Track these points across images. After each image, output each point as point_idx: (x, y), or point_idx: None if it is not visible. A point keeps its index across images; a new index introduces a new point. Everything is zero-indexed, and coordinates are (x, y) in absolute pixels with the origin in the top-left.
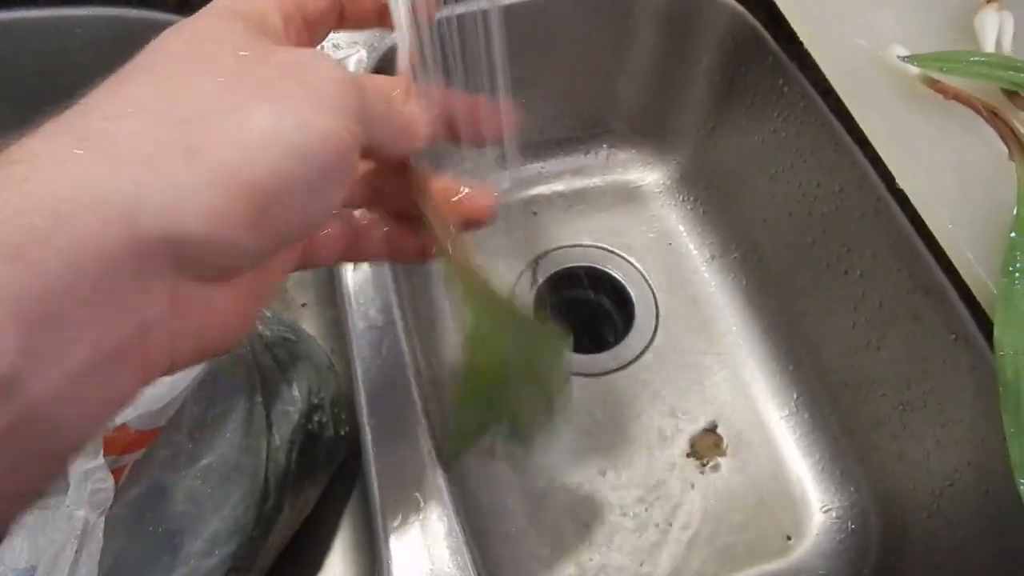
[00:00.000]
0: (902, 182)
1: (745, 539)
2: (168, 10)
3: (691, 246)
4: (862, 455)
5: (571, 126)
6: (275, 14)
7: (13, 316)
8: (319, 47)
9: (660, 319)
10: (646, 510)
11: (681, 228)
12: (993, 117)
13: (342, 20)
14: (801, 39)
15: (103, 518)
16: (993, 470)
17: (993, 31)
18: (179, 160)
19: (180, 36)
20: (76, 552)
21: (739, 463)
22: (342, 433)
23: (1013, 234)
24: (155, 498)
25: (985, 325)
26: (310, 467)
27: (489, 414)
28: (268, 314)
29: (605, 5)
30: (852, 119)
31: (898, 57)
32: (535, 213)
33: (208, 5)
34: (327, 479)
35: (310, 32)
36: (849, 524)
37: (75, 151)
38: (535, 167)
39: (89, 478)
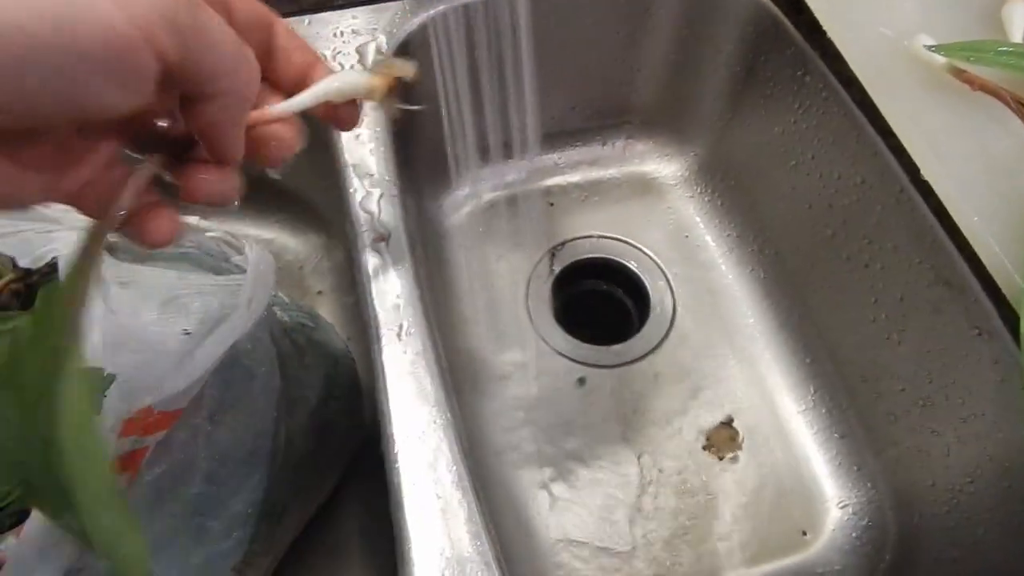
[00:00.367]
0: (927, 173)
1: (761, 534)
2: None
3: (708, 238)
4: (880, 450)
5: (588, 116)
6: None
7: None
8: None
9: (676, 311)
10: (661, 504)
11: (698, 220)
12: (1020, 108)
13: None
14: (824, 28)
15: None
16: (1015, 465)
17: (1021, 21)
18: None
19: None
20: None
21: (755, 457)
22: (358, 419)
23: None
24: (175, 480)
25: (1009, 318)
26: (327, 452)
27: None
28: (287, 300)
29: None
30: (875, 109)
31: (925, 47)
32: (552, 204)
33: None
34: (344, 464)
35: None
36: (866, 519)
37: None
38: (552, 158)
39: None
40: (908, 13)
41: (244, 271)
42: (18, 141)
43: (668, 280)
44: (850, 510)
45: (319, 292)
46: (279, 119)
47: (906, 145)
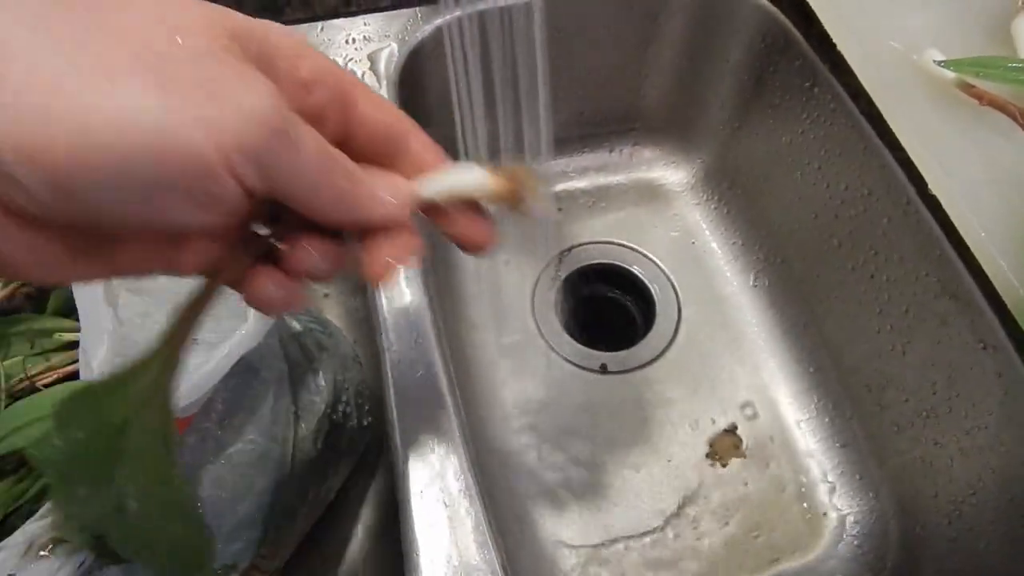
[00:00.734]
0: (934, 187)
1: (762, 541)
2: None
3: (714, 245)
4: (883, 460)
5: (596, 123)
6: (284, 65)
7: None
8: None
9: (682, 318)
10: (664, 510)
11: (704, 227)
12: None
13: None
14: (833, 40)
15: None
16: (1018, 477)
17: None
18: (11, 81)
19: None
20: None
21: (758, 465)
22: (365, 423)
23: None
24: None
25: (1015, 333)
26: (334, 455)
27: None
28: None
29: (635, 2)
30: (883, 122)
31: (934, 62)
32: (559, 209)
33: (217, 6)
34: (350, 467)
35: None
36: (868, 528)
37: None
38: (560, 163)
39: None
40: (917, 27)
41: None
42: (106, 241)
43: (674, 286)
44: (852, 519)
45: (325, 295)
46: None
47: (914, 158)
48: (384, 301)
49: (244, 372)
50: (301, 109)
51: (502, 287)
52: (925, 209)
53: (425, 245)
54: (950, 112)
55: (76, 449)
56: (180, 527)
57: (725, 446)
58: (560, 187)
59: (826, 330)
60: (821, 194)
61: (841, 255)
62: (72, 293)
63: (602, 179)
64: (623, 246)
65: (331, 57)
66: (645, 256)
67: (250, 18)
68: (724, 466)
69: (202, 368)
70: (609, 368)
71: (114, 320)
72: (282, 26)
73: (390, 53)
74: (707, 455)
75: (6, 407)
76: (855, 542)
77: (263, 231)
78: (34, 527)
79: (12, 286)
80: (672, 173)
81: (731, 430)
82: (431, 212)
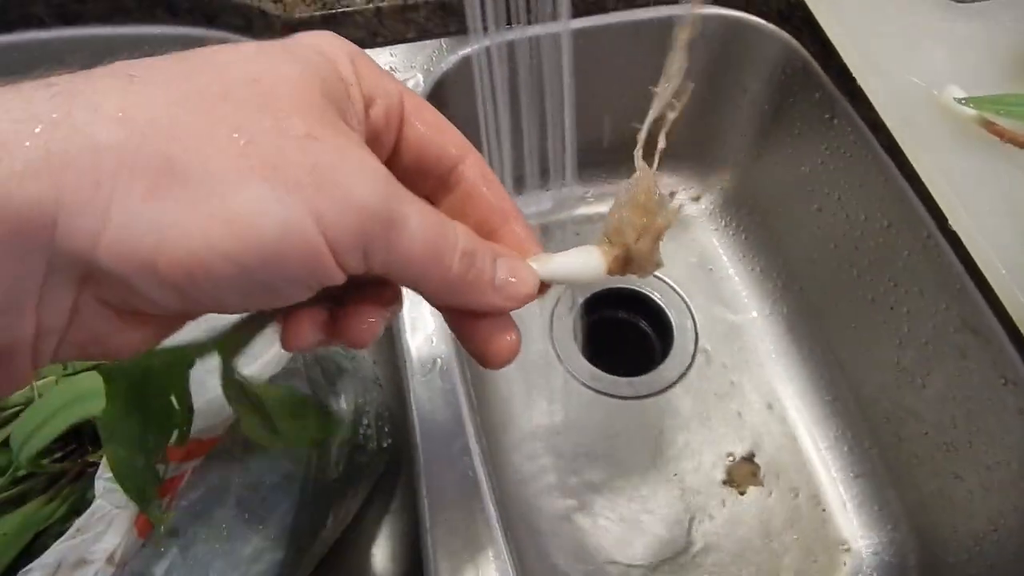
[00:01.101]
0: (955, 224)
1: (778, 572)
2: (233, 30)
3: (732, 272)
4: (902, 492)
5: (616, 149)
6: (351, 73)
7: None
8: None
9: (699, 344)
10: (680, 537)
11: (722, 253)
12: None
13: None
14: (853, 74)
15: None
16: None
17: None
18: (136, 193)
19: (247, 67)
20: None
21: (776, 493)
22: (385, 445)
23: None
24: (209, 505)
25: None
26: (354, 478)
27: None
28: None
29: (652, 31)
30: (903, 156)
31: (955, 99)
32: (577, 234)
33: (299, 45)
34: (369, 489)
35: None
36: (887, 561)
37: (51, 115)
38: (579, 189)
39: None
40: (938, 63)
41: None
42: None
43: (691, 312)
44: (870, 550)
45: None
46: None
47: (934, 194)
48: (408, 328)
49: None
50: (369, 130)
51: (520, 311)
52: (946, 243)
53: None
54: (971, 149)
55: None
56: None
57: (742, 473)
58: (579, 211)
59: (844, 360)
60: (840, 224)
61: (860, 286)
62: None
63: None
64: None
65: None
66: (663, 281)
67: (331, 55)
68: (741, 494)
69: None
70: (625, 393)
71: None
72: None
73: (415, 84)
74: (724, 482)
75: None
76: (874, 573)
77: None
78: (64, 547)
79: None
80: (690, 200)
81: (748, 458)
82: (456, 318)
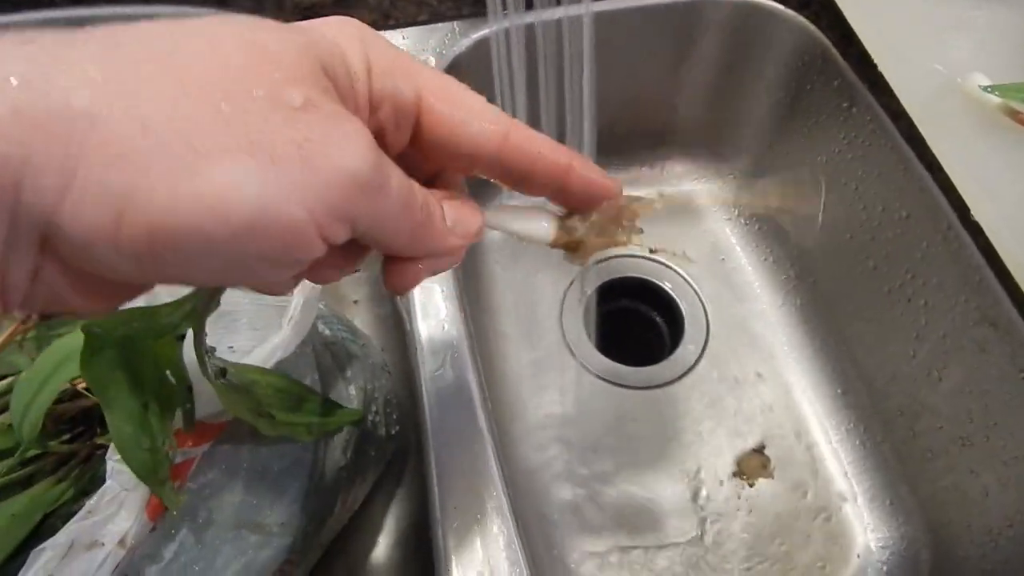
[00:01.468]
0: (977, 214)
1: (788, 565)
2: (244, 11)
3: (744, 262)
4: (915, 486)
5: (629, 137)
6: (360, 67)
7: None
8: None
9: (710, 335)
10: (690, 528)
11: (735, 243)
12: None
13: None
14: (875, 61)
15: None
16: None
17: None
18: (106, 159)
19: (245, 37)
20: None
21: (786, 486)
22: (393, 432)
23: None
24: (218, 490)
25: None
26: (362, 464)
27: None
28: (328, 312)
29: (672, 17)
30: (923, 145)
31: (980, 87)
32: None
33: (307, 27)
34: (376, 475)
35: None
36: (899, 555)
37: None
38: None
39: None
40: (962, 51)
41: (291, 293)
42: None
43: (703, 302)
44: (882, 544)
45: (355, 301)
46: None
47: (956, 183)
48: (419, 314)
49: None
50: (374, 127)
51: (531, 299)
52: (966, 234)
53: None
54: (995, 138)
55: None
56: None
57: (753, 466)
58: None
59: (858, 352)
60: (857, 215)
61: (876, 277)
62: None
63: (633, 192)
64: (652, 260)
65: None
66: (674, 271)
67: (341, 42)
68: (751, 486)
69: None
70: (635, 383)
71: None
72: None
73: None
74: (734, 474)
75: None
76: (884, 568)
77: None
78: (76, 527)
79: None
80: (704, 188)
81: (759, 450)
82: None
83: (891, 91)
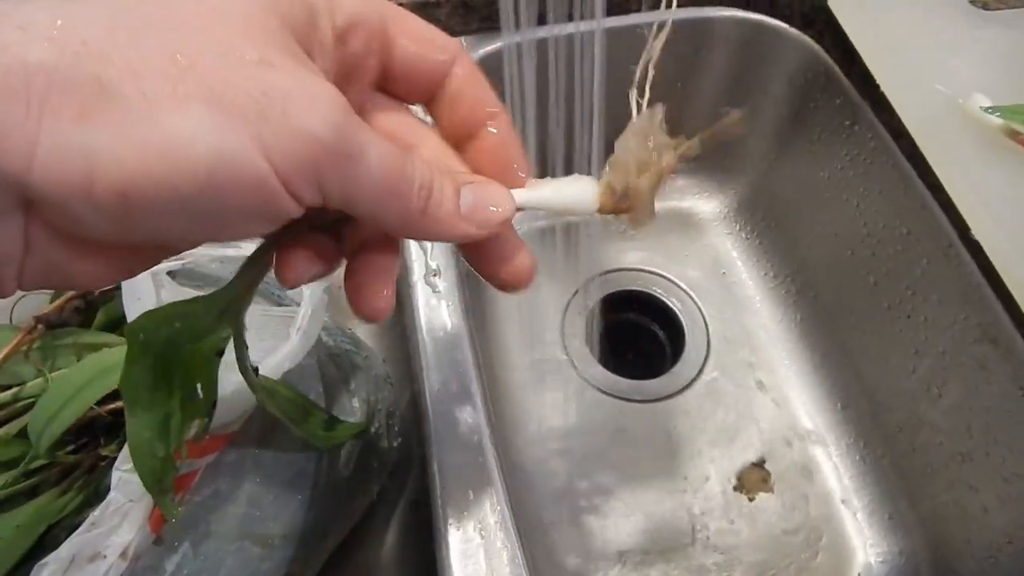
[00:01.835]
0: (977, 233)
1: None
2: None
3: (746, 276)
4: (914, 501)
5: None
6: (326, 22)
7: None
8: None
9: (711, 349)
10: (689, 542)
11: (736, 257)
12: None
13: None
14: (877, 80)
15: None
16: None
17: None
18: (67, 115)
19: None
20: None
21: (786, 500)
22: (395, 443)
23: None
24: (221, 500)
25: None
26: (364, 476)
27: None
28: (332, 324)
29: (680, 34)
30: (924, 163)
31: (981, 108)
32: (591, 235)
33: None
34: (379, 487)
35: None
36: (898, 570)
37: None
38: None
39: None
40: (964, 71)
41: (298, 304)
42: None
43: (704, 316)
44: (881, 559)
45: None
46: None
47: (957, 203)
48: (424, 326)
49: None
50: (341, 61)
51: (533, 311)
52: (966, 252)
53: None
54: (996, 158)
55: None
56: None
57: (753, 480)
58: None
59: (858, 367)
60: (858, 231)
61: (877, 293)
62: (120, 308)
63: None
64: (654, 274)
65: None
66: (675, 285)
67: None
68: (751, 500)
69: (244, 388)
70: (637, 397)
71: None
72: None
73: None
74: (734, 488)
75: None
76: None
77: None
78: (78, 540)
79: (61, 299)
80: (705, 203)
81: (759, 464)
82: (467, 246)
83: (893, 110)
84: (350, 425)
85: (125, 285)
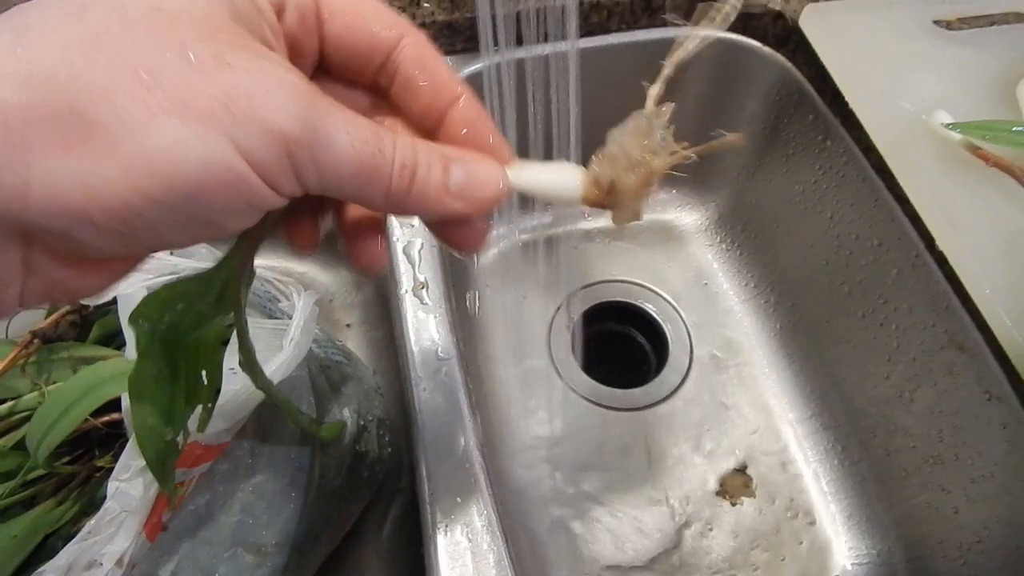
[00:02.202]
0: (942, 244)
1: None
2: None
3: (726, 287)
4: (890, 504)
5: None
6: (265, 2)
7: None
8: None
9: (694, 357)
10: (673, 547)
11: (717, 268)
12: None
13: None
14: (846, 98)
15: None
16: None
17: None
18: (53, 147)
19: (141, 2)
20: None
21: (767, 504)
22: (385, 453)
23: None
24: (215, 509)
25: (1019, 385)
26: (355, 485)
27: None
28: (323, 336)
29: (656, 53)
30: (893, 177)
31: (943, 124)
32: (576, 248)
33: None
34: (369, 496)
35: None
36: (875, 571)
37: None
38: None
39: None
40: (928, 88)
41: (290, 316)
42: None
43: (686, 326)
44: (859, 561)
45: (348, 325)
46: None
47: (922, 215)
48: (413, 337)
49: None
50: (285, 35)
51: (520, 322)
52: (933, 263)
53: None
54: (958, 172)
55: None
56: None
57: (735, 485)
58: (578, 226)
59: (836, 374)
60: (832, 242)
61: (851, 302)
62: (116, 323)
63: None
64: (637, 285)
65: None
66: (659, 295)
67: None
68: (734, 504)
69: (239, 396)
70: (620, 405)
71: None
72: None
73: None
74: (717, 493)
75: None
76: None
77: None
78: (75, 548)
79: (57, 314)
80: (686, 215)
81: (741, 469)
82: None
83: (862, 126)
84: (331, 425)
85: (121, 299)
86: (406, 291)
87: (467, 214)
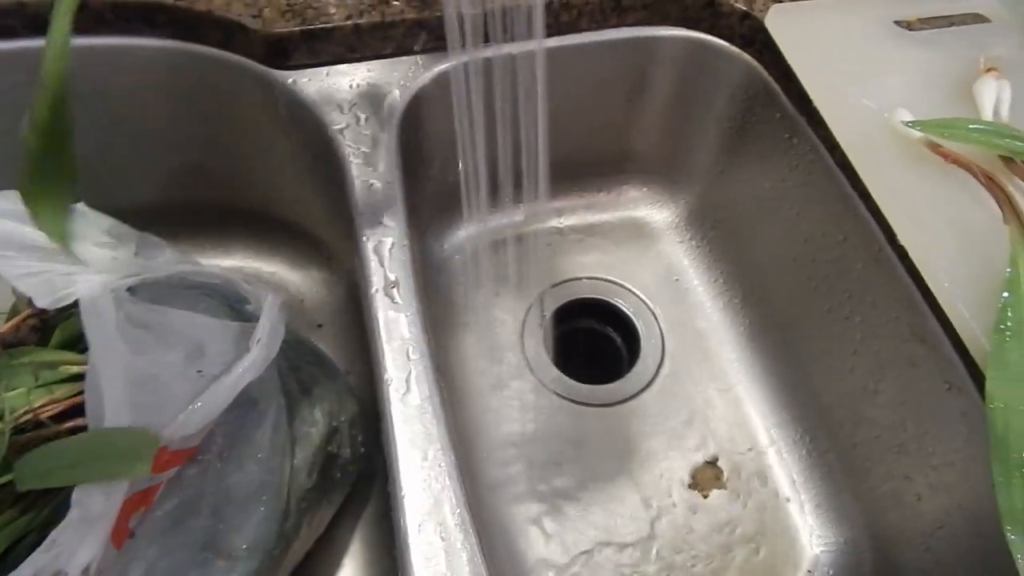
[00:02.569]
0: (903, 238)
1: (741, 572)
2: (212, 44)
3: (697, 283)
4: (857, 494)
5: (586, 164)
6: None
7: None
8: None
9: (665, 352)
10: (646, 540)
11: (687, 264)
12: (989, 182)
13: None
14: (811, 97)
15: None
16: (984, 514)
17: (991, 99)
18: None
19: None
20: None
21: (738, 496)
22: (358, 454)
23: (1006, 294)
24: (185, 514)
25: (977, 376)
26: (328, 487)
27: None
28: (293, 337)
29: (624, 52)
30: (856, 174)
31: (903, 122)
32: (549, 245)
33: None
34: (343, 497)
35: None
36: (844, 560)
37: None
38: (550, 203)
39: None
40: (890, 87)
41: (258, 318)
42: None
43: (658, 321)
44: (828, 550)
45: (319, 325)
46: None
47: (884, 210)
48: (384, 337)
49: (244, 404)
50: None
51: (492, 320)
52: (895, 257)
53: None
54: (918, 169)
55: None
56: None
57: (707, 477)
58: (550, 224)
59: (804, 367)
60: (799, 238)
61: (818, 297)
62: (79, 326)
63: (590, 217)
64: (609, 282)
65: (336, 100)
66: (631, 292)
67: None
68: (705, 497)
69: (206, 400)
70: (594, 400)
71: (126, 351)
72: None
73: (392, 98)
74: (689, 486)
75: (10, 440)
76: (830, 572)
77: None
78: (40, 559)
79: (17, 318)
80: (657, 213)
81: (712, 462)
82: None
83: (826, 124)
84: None
85: (83, 302)
86: (377, 290)
87: None
